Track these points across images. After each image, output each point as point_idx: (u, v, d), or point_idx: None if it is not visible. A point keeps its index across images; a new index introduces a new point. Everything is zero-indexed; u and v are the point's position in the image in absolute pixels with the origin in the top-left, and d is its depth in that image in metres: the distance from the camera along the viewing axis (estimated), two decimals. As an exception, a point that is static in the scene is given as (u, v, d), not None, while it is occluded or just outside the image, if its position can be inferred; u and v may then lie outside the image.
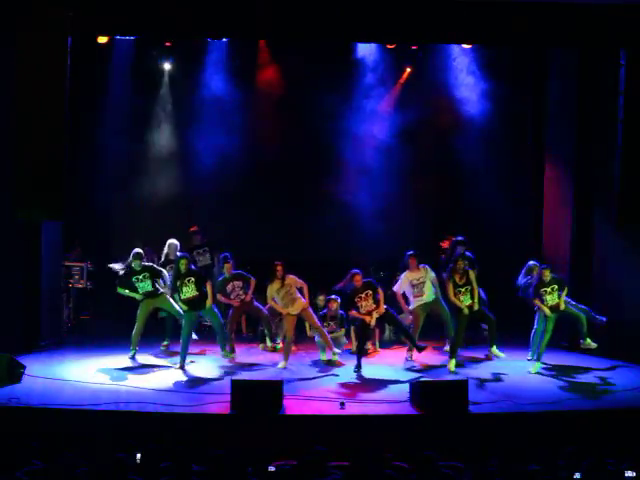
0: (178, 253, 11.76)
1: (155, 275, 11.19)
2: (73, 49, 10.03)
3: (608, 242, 12.00)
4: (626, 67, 10.52)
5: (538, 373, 10.75)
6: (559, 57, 12.86)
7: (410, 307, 11.38)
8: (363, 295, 10.74)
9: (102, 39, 12.07)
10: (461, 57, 13.62)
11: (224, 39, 12.80)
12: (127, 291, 11.15)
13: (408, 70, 14.16)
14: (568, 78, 12.59)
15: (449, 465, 7.12)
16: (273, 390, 8.99)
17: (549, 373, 10.87)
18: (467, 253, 11.64)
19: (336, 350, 11.07)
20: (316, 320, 11.14)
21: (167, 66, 13.89)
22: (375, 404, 9.20)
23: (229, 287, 11.38)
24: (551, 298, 10.88)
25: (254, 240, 13.64)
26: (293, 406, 9.05)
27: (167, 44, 13.32)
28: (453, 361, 10.82)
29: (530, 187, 13.82)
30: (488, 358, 11.40)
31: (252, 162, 13.99)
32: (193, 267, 11.13)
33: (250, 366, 11.06)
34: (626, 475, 6.70)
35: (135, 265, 11.09)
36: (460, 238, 12.02)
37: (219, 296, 11.31)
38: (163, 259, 12.03)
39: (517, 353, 11.98)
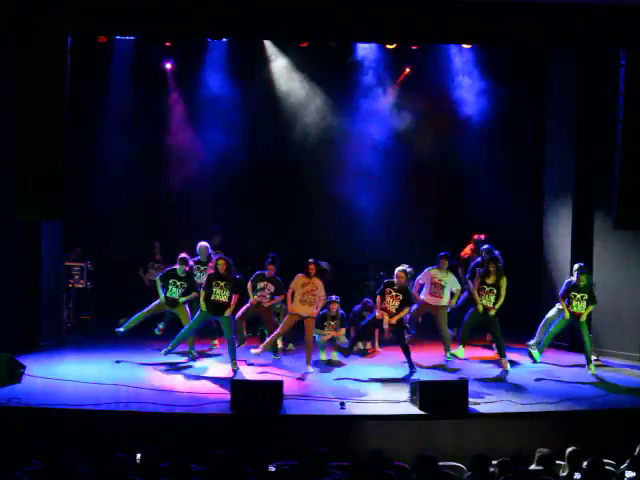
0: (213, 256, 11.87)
1: (190, 288, 11.23)
2: (73, 49, 10.03)
3: (608, 242, 12.00)
4: (626, 67, 10.51)
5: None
6: (559, 57, 12.86)
7: (421, 297, 11.49)
8: (394, 294, 10.73)
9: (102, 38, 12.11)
10: (461, 57, 13.62)
11: (224, 39, 12.79)
12: (160, 289, 11.22)
13: (407, 70, 14.16)
14: (568, 78, 12.59)
15: (449, 465, 7.14)
16: (273, 390, 8.99)
17: (549, 373, 10.88)
18: (494, 252, 11.55)
19: (310, 369, 10.92)
20: (312, 334, 11.07)
21: (167, 66, 13.87)
22: (375, 404, 9.20)
23: (262, 284, 11.36)
24: (576, 305, 10.87)
25: (254, 240, 13.64)
26: (293, 406, 9.05)
27: (167, 44, 13.31)
28: (461, 348, 11.06)
29: (530, 187, 13.82)
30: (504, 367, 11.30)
31: (252, 162, 13.98)
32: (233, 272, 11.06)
33: (250, 366, 11.06)
34: (626, 475, 6.70)
35: (179, 270, 11.18)
36: (488, 247, 11.93)
37: (248, 288, 11.32)
38: (195, 261, 11.98)
39: (517, 353, 11.98)
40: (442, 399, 8.94)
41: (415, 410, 9.00)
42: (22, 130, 9.84)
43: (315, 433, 8.51)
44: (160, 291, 11.23)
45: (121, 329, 11.29)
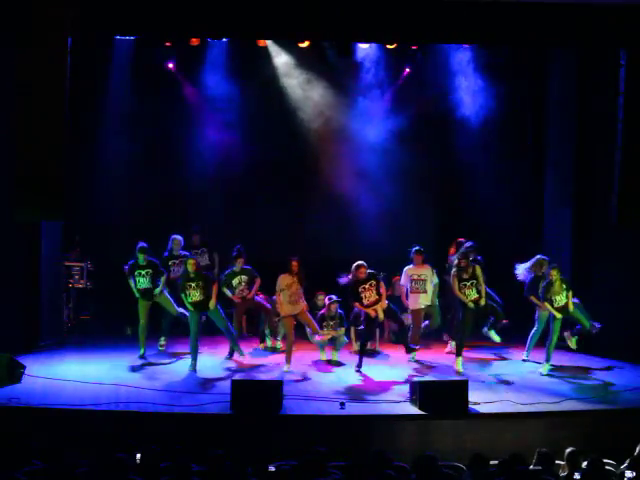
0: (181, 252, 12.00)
1: (157, 273, 11.26)
2: (73, 49, 10.03)
3: (608, 242, 12.00)
4: (626, 67, 10.52)
5: (548, 374, 10.73)
6: (559, 57, 12.86)
7: (408, 303, 11.39)
8: (367, 285, 10.68)
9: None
10: (461, 57, 13.61)
11: (224, 39, 12.79)
12: (132, 283, 11.21)
13: (408, 70, 14.15)
14: (568, 78, 12.59)
15: (449, 465, 7.14)
16: (273, 390, 8.99)
17: (549, 373, 10.88)
18: (478, 257, 11.56)
19: (328, 355, 11.08)
20: (314, 323, 11.15)
21: (169, 65, 13.83)
22: (375, 404, 9.20)
23: (235, 280, 11.43)
24: (560, 299, 10.83)
25: (254, 240, 13.62)
26: (293, 406, 9.05)
27: (167, 44, 13.30)
28: (459, 360, 10.79)
29: (530, 187, 13.82)
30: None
31: (252, 161, 13.97)
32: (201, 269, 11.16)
33: (250, 366, 11.06)
34: (626, 475, 6.70)
35: (140, 259, 11.16)
36: (470, 244, 11.98)
37: (224, 289, 11.31)
38: (167, 254, 12.12)
39: (517, 353, 11.98)
40: (442, 399, 8.94)
41: (415, 410, 9.00)
42: (22, 130, 9.84)
43: (315, 433, 8.51)
44: (134, 289, 11.23)
45: (142, 353, 11.28)
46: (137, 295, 11.25)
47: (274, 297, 11.78)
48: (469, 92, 13.70)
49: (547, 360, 10.86)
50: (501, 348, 12.08)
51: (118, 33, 11.51)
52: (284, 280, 10.87)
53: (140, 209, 13.89)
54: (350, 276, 10.76)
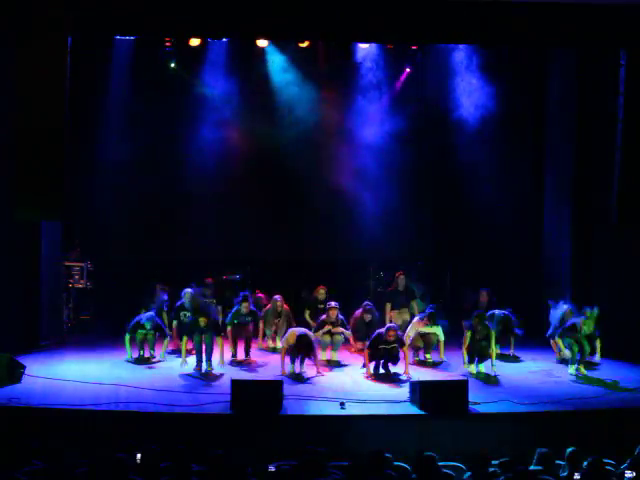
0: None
1: (160, 331, 11.24)
2: (73, 49, 10.03)
3: (608, 242, 12.00)
4: (626, 67, 10.53)
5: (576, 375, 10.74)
6: (559, 57, 12.87)
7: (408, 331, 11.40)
8: (389, 347, 10.52)
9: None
10: (461, 57, 13.60)
11: (224, 39, 12.79)
12: (127, 340, 11.11)
13: (408, 70, 14.16)
14: (568, 78, 12.61)
15: (449, 465, 7.14)
16: (273, 390, 9.00)
17: (549, 373, 10.89)
18: (501, 312, 11.48)
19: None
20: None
21: (167, 65, 13.83)
22: (375, 404, 9.20)
23: (242, 318, 11.46)
24: (587, 328, 10.75)
25: (254, 240, 13.65)
26: (293, 406, 9.05)
27: (167, 44, 13.29)
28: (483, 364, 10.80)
29: (530, 187, 13.82)
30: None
31: (252, 162, 13.98)
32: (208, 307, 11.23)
33: (250, 366, 11.06)
34: (626, 475, 6.70)
35: (146, 324, 11.07)
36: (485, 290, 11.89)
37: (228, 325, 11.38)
38: (179, 304, 11.87)
39: (518, 353, 11.98)
40: (442, 399, 8.94)
41: (415, 410, 9.00)
42: (22, 130, 9.84)
43: (315, 433, 8.51)
44: (128, 348, 11.09)
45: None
46: (128, 357, 11.10)
47: (275, 297, 11.83)
48: (469, 92, 13.68)
49: (572, 362, 10.86)
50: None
51: (118, 33, 11.52)
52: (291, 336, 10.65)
53: (140, 209, 13.90)
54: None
